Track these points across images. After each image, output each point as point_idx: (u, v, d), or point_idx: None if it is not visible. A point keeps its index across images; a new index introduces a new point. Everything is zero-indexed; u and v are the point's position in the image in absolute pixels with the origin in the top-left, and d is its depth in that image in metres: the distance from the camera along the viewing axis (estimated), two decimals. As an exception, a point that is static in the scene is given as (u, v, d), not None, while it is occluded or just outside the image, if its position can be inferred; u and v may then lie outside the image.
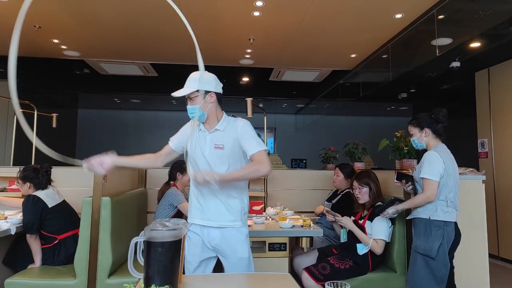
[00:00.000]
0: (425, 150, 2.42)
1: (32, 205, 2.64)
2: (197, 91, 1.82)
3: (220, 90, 1.93)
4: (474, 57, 4.67)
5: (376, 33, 4.54)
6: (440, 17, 3.65)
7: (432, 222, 2.22)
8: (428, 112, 2.44)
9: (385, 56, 4.87)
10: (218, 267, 2.81)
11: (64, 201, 2.86)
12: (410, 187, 2.44)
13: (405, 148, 3.06)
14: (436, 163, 2.24)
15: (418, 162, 2.56)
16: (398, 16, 4.01)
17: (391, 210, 2.43)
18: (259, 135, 1.98)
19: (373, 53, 5.22)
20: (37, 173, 2.77)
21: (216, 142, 1.86)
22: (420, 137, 2.42)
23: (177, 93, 1.83)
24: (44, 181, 2.78)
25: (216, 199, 1.87)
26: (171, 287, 1.03)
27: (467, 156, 5.28)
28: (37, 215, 2.63)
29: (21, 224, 2.70)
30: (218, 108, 1.93)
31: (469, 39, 4.02)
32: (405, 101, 7.76)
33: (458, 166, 2.40)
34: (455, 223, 2.27)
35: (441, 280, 2.16)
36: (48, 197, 2.74)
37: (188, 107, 1.85)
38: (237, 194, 1.90)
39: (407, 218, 2.49)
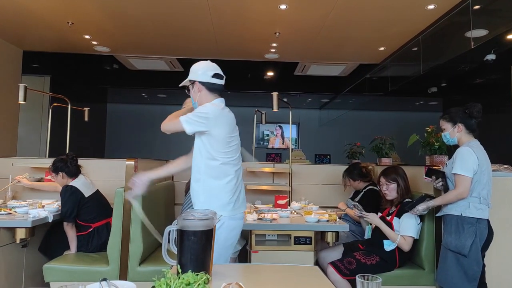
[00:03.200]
0: (456, 146, 2.35)
1: (70, 195, 2.77)
2: (190, 81, 1.91)
3: (207, 79, 1.88)
4: (511, 49, 4.45)
5: (406, 25, 4.41)
6: (476, 7, 3.50)
7: (464, 219, 2.16)
8: (461, 107, 2.37)
9: (416, 49, 4.72)
10: (244, 256, 2.84)
11: (97, 191, 2.99)
12: (440, 183, 2.38)
13: (436, 143, 2.97)
14: (469, 158, 2.17)
15: (449, 158, 2.49)
16: (431, 7, 3.87)
17: (421, 207, 2.38)
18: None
19: (402, 46, 5.07)
20: (65, 162, 2.90)
21: None
22: (453, 132, 2.35)
23: (181, 84, 1.95)
24: (73, 168, 2.91)
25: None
26: (206, 274, 1.07)
27: (501, 152, 5.06)
28: (75, 204, 2.76)
29: (58, 213, 2.85)
30: (211, 96, 1.91)
31: (506, 30, 3.83)
32: (435, 95, 7.51)
33: (492, 163, 2.32)
34: (488, 220, 2.20)
35: (473, 278, 2.11)
36: (85, 186, 2.87)
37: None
38: None
39: (437, 215, 2.43)
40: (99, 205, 2.90)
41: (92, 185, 2.97)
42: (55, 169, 2.91)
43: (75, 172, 2.92)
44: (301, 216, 2.94)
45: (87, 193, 2.85)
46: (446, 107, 8.02)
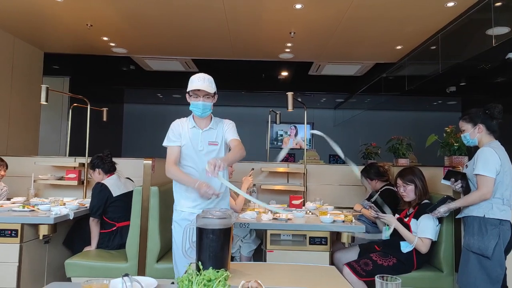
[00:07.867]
0: (476, 147, 2.31)
1: (99, 192, 2.88)
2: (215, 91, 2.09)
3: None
4: (534, 47, 4.32)
5: (424, 23, 4.33)
6: (497, 4, 3.41)
7: (487, 220, 2.12)
8: (480, 107, 2.32)
9: (434, 47, 4.64)
10: (259, 255, 2.85)
11: (130, 192, 2.96)
12: (459, 185, 2.33)
13: (455, 144, 2.91)
14: (492, 159, 2.13)
15: (469, 159, 2.44)
16: (450, 4, 3.80)
17: (442, 209, 2.34)
18: None
19: (420, 45, 4.99)
20: (102, 160, 3.07)
21: (210, 139, 2.11)
22: (473, 133, 2.31)
23: (205, 88, 2.03)
24: (108, 165, 3.06)
25: None
26: (227, 271, 1.08)
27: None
28: (102, 201, 2.84)
29: (79, 210, 2.93)
30: None
31: (529, 27, 3.72)
32: (454, 95, 7.34)
33: (515, 164, 2.27)
34: (510, 222, 2.15)
35: (496, 280, 2.07)
36: (115, 186, 2.96)
37: (206, 103, 2.06)
38: None
39: (457, 216, 2.39)
40: (126, 206, 2.87)
41: (125, 185, 3.04)
42: (92, 165, 3.07)
43: (110, 169, 3.06)
44: (316, 217, 2.93)
45: (116, 192, 2.93)
46: (465, 107, 7.84)
